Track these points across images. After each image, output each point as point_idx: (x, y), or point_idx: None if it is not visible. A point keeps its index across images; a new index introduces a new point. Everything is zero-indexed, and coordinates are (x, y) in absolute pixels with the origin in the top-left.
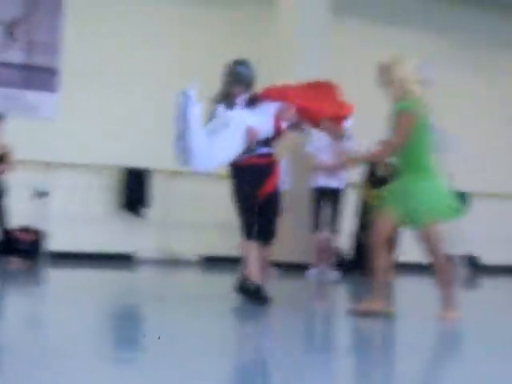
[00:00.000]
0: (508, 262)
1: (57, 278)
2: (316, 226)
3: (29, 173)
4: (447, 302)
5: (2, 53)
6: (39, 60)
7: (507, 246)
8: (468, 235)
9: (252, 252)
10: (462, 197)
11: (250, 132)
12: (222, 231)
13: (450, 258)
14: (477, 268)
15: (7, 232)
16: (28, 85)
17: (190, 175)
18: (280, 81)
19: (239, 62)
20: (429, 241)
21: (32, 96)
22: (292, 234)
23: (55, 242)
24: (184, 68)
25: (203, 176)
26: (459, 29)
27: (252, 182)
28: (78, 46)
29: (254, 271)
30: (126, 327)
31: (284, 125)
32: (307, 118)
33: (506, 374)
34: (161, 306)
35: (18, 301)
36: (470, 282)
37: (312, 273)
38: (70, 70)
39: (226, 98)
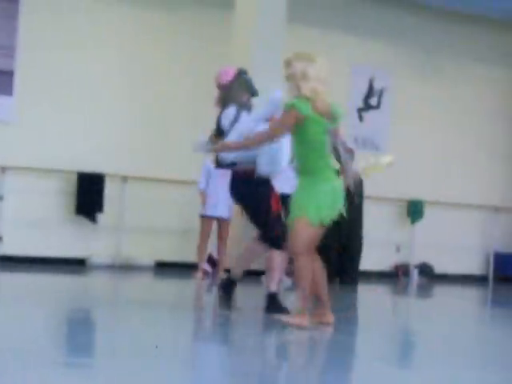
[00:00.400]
0: (461, 271)
1: (9, 282)
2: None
3: None
4: (298, 304)
5: None
6: None
7: (460, 255)
8: (422, 244)
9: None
10: (416, 205)
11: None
12: (175, 236)
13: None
14: (431, 276)
15: None
16: None
17: (142, 180)
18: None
19: (245, 72)
20: (291, 237)
21: None
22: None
23: (8, 246)
24: (140, 73)
25: (155, 181)
26: (419, 36)
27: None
28: (33, 48)
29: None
30: (77, 332)
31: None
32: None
33: (451, 379)
34: (112, 311)
35: None
36: (424, 290)
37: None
38: (26, 73)
39: (244, 105)
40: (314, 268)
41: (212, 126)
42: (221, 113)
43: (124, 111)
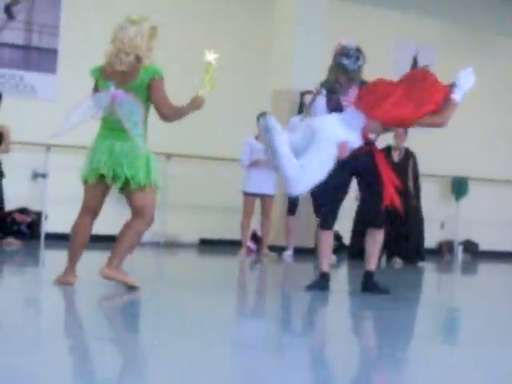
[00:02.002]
0: (506, 248)
1: (53, 259)
2: (291, 209)
3: (28, 154)
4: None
5: (1, 33)
6: (39, 41)
7: (505, 232)
8: (466, 221)
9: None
10: (461, 182)
11: (342, 147)
12: (219, 214)
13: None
14: (475, 253)
15: (4, 213)
16: (27, 66)
17: (185, 158)
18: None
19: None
20: None
21: (31, 77)
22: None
23: (53, 224)
24: (185, 50)
25: (199, 158)
26: (465, 12)
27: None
28: (76, 27)
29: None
30: (123, 310)
31: (372, 136)
32: (395, 124)
33: (497, 358)
34: (157, 289)
35: (13, 282)
36: (469, 268)
37: (288, 254)
38: (69, 52)
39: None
40: None
41: (254, 104)
42: None
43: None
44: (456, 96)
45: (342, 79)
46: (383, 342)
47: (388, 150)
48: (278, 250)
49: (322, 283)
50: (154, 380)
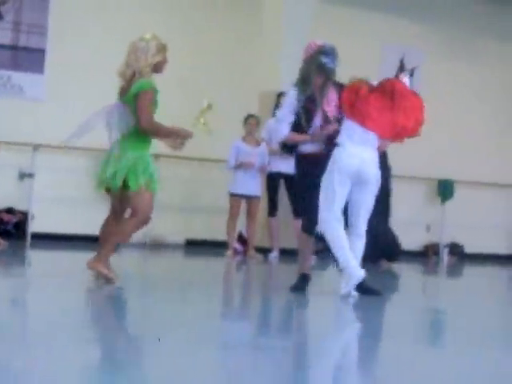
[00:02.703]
0: (491, 251)
1: (39, 259)
2: (271, 210)
3: (14, 154)
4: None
5: None
6: (26, 41)
7: (491, 235)
8: (452, 223)
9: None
10: (447, 185)
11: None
12: (206, 215)
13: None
14: (461, 256)
15: None
16: (15, 66)
17: (174, 158)
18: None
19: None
20: None
21: (19, 77)
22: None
23: (39, 224)
24: (172, 50)
25: (186, 159)
26: (451, 14)
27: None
28: (64, 27)
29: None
30: (106, 310)
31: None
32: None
33: (474, 360)
34: (142, 289)
35: None
36: (455, 270)
37: (274, 256)
38: (57, 52)
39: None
40: None
41: (241, 107)
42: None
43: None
44: None
45: (319, 81)
46: (366, 343)
47: None
48: (264, 251)
49: (300, 284)
50: (138, 380)
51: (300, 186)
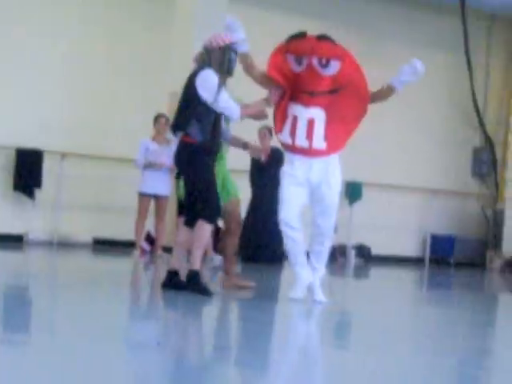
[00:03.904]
0: (398, 253)
1: None
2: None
3: None
4: None
5: None
6: None
7: (398, 237)
8: (360, 225)
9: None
10: (354, 187)
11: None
12: (113, 214)
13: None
14: (368, 258)
15: None
16: None
17: (80, 157)
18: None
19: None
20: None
21: None
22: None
23: None
24: (79, 52)
25: (94, 158)
26: (355, 20)
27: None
28: None
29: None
30: (13, 309)
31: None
32: None
33: (383, 360)
34: (49, 288)
35: None
36: (361, 272)
37: (216, 258)
38: None
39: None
40: None
41: (150, 107)
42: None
43: (63, 88)
44: (394, 82)
45: (222, 79)
46: (271, 346)
47: None
48: (172, 250)
49: (168, 281)
50: (46, 381)
51: (206, 178)
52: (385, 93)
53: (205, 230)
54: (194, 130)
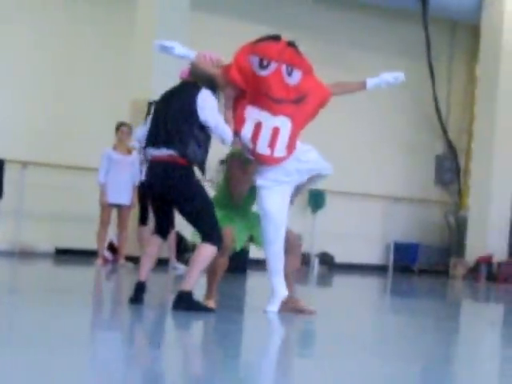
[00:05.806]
0: (361, 261)
1: None
2: (143, 219)
3: None
4: None
5: None
6: None
7: (361, 245)
8: (323, 233)
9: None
10: (317, 195)
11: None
12: (76, 223)
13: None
14: (331, 266)
15: None
16: None
17: (42, 166)
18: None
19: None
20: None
21: None
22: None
23: None
24: (43, 61)
25: (56, 167)
26: (310, 26)
27: None
28: None
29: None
30: None
31: None
32: None
33: (348, 369)
34: (10, 299)
35: None
36: (325, 280)
37: (180, 267)
38: None
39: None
40: None
41: (112, 114)
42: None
43: (25, 97)
44: (368, 80)
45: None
46: (235, 352)
47: None
48: (135, 260)
49: (136, 295)
50: None
51: (209, 200)
52: (354, 87)
53: (212, 252)
54: (192, 151)
